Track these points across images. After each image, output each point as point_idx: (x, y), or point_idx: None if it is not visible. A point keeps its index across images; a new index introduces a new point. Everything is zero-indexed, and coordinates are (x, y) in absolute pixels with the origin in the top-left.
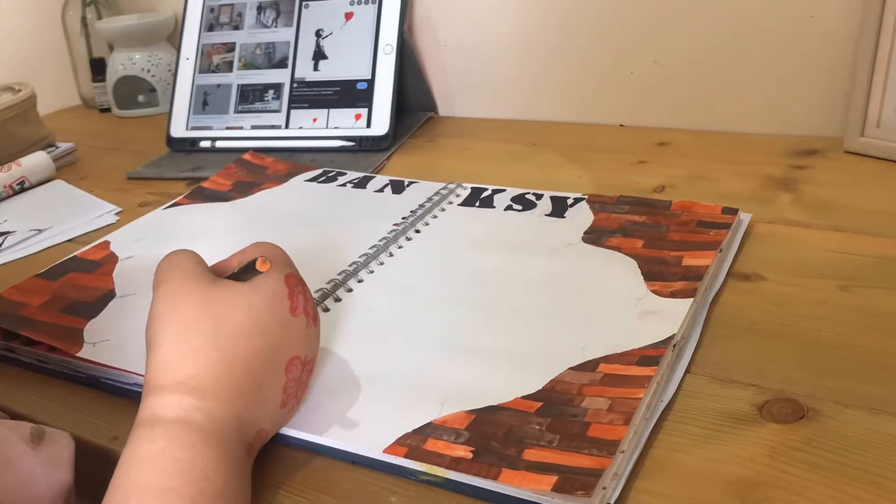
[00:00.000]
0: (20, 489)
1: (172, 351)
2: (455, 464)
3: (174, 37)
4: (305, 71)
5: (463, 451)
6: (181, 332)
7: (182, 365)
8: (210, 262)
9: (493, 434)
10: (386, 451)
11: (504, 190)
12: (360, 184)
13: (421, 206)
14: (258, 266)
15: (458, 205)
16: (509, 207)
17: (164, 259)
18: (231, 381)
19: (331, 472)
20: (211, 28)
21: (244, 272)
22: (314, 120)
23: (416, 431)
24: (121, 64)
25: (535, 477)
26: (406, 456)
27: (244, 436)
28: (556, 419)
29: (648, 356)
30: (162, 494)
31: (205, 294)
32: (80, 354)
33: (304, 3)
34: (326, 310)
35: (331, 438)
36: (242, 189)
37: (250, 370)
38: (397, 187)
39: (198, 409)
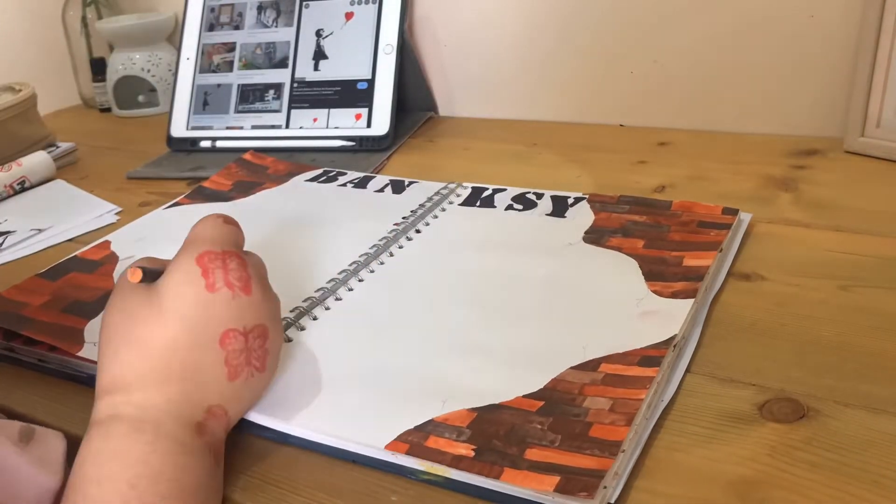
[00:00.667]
0: (4, 490)
1: (100, 358)
2: (457, 462)
3: (174, 37)
4: (306, 71)
5: (465, 449)
6: (105, 340)
7: (108, 369)
8: None
9: (494, 433)
10: (387, 447)
11: (504, 189)
12: (361, 184)
13: (421, 205)
14: (129, 277)
15: (459, 204)
16: (510, 207)
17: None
18: (155, 371)
19: (331, 471)
20: (211, 28)
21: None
22: (314, 120)
23: (418, 428)
24: (121, 64)
25: (537, 477)
26: (407, 453)
27: (188, 417)
28: (558, 419)
29: (650, 356)
30: (101, 483)
31: (124, 298)
32: (80, 354)
33: (304, 2)
34: (327, 308)
35: (332, 435)
36: (243, 189)
37: (174, 356)
38: (397, 187)
39: (126, 403)
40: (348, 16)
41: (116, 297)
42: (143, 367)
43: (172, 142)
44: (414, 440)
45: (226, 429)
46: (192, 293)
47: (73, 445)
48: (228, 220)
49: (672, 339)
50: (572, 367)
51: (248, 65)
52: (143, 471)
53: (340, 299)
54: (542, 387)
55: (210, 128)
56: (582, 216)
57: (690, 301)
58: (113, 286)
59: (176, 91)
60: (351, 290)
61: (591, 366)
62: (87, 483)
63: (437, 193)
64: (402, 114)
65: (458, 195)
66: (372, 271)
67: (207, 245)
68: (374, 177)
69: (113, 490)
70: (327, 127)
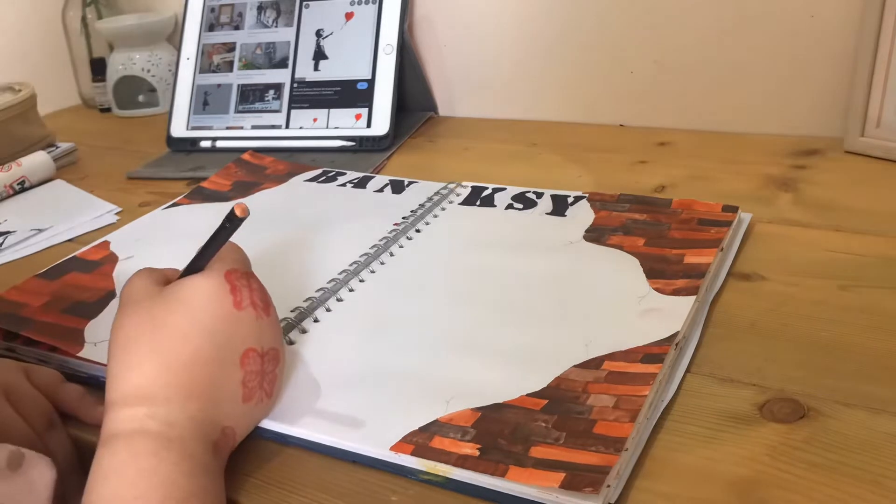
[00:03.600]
0: None
1: (118, 365)
2: (462, 461)
3: (174, 37)
4: (306, 71)
5: (470, 449)
6: (125, 345)
7: (128, 377)
8: None
9: (499, 431)
10: (392, 448)
11: (504, 189)
12: (360, 184)
13: (421, 205)
14: (237, 212)
15: (459, 204)
16: (510, 206)
17: (126, 283)
18: (180, 385)
19: (331, 472)
20: (211, 28)
21: (205, 249)
22: (314, 120)
23: (422, 429)
24: (121, 64)
25: (542, 474)
26: (412, 454)
27: (207, 436)
28: (562, 417)
29: (652, 353)
30: (128, 502)
31: (146, 305)
32: (80, 354)
33: (304, 3)
34: (329, 310)
35: (336, 437)
36: (242, 189)
37: (198, 371)
38: (397, 187)
39: (150, 417)
40: (348, 16)
41: (133, 300)
42: (169, 380)
43: (172, 142)
44: (419, 441)
45: (230, 452)
46: (221, 308)
47: (83, 452)
48: (238, 247)
49: (674, 336)
50: (575, 366)
51: (248, 65)
52: (173, 491)
53: (342, 300)
54: (545, 385)
55: (210, 128)
56: (582, 215)
57: (692, 298)
58: (113, 286)
59: (176, 91)
60: (352, 290)
61: (594, 364)
62: (114, 501)
63: (436, 193)
64: (402, 114)
65: (458, 195)
66: (373, 271)
67: (231, 264)
68: (374, 177)
69: None
70: (327, 127)
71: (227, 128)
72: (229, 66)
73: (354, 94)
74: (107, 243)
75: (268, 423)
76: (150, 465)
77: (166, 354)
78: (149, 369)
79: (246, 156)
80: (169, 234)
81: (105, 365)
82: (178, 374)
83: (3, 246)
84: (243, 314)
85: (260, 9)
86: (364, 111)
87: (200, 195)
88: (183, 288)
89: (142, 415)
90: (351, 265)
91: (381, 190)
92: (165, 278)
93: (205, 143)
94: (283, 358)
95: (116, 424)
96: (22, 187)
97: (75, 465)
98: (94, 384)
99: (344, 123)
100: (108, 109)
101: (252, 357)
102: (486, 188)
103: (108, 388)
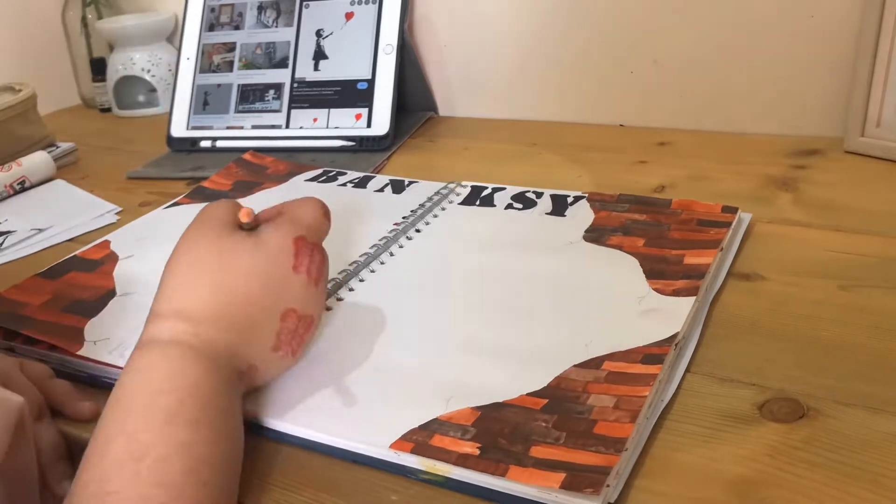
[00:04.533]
0: None
1: (178, 282)
2: (462, 460)
3: (174, 37)
4: (306, 71)
5: (470, 448)
6: (189, 266)
7: (182, 295)
8: None
9: (499, 431)
10: (392, 446)
11: (504, 188)
12: (361, 183)
13: (421, 205)
14: (240, 216)
15: (459, 204)
16: (510, 206)
17: (202, 209)
18: (225, 317)
19: (330, 471)
20: (211, 28)
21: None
22: (314, 120)
23: (423, 427)
24: (121, 64)
25: (543, 474)
26: (412, 451)
27: (236, 363)
28: (563, 416)
29: (653, 354)
30: (152, 397)
31: (218, 238)
32: (80, 353)
33: (304, 2)
34: (328, 308)
35: (335, 435)
36: (243, 189)
37: (244, 309)
38: (397, 187)
39: (190, 333)
40: (348, 16)
41: (208, 230)
42: (218, 311)
43: (172, 142)
44: (419, 439)
45: (250, 388)
46: (281, 265)
47: (70, 446)
48: (328, 215)
49: (674, 336)
50: (575, 366)
51: (249, 65)
52: (195, 392)
53: (342, 299)
54: (545, 385)
55: (210, 128)
56: (582, 215)
57: (692, 299)
58: (113, 285)
59: (176, 91)
60: (352, 290)
61: (594, 364)
62: (136, 395)
63: (436, 193)
64: (402, 114)
65: (458, 194)
66: (373, 271)
67: (304, 231)
68: (374, 177)
69: (164, 402)
70: (327, 127)
71: (228, 128)
72: (229, 66)
73: (354, 94)
74: (107, 243)
75: (268, 423)
76: (177, 367)
77: (224, 287)
78: (204, 297)
79: (247, 156)
80: (170, 233)
81: (104, 364)
82: (227, 307)
83: (4, 246)
84: (298, 277)
85: (260, 9)
86: (364, 111)
87: (202, 195)
88: (257, 234)
89: (181, 329)
90: (351, 265)
91: (381, 190)
92: (236, 215)
93: (205, 143)
94: (315, 327)
95: (157, 333)
96: (22, 187)
97: (63, 455)
98: (96, 384)
99: (344, 123)
100: (108, 109)
101: (291, 316)
102: (486, 188)
103: (159, 298)
